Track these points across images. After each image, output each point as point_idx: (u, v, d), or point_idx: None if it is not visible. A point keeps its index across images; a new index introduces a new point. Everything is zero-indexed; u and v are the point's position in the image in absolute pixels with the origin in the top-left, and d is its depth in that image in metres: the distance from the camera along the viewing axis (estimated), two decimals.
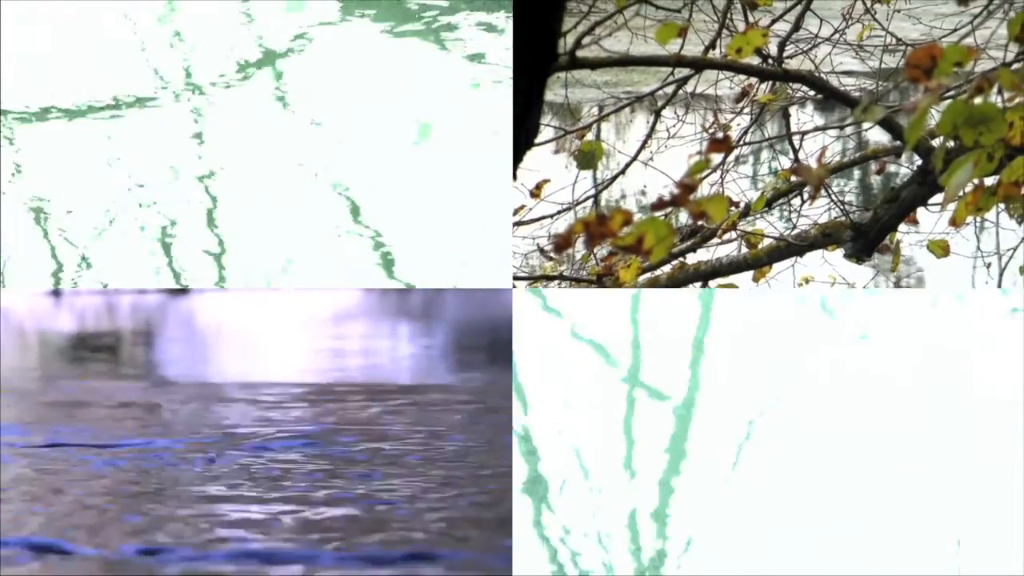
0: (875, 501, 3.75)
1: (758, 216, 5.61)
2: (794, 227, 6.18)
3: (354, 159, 4.65)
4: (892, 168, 7.21)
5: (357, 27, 5.13)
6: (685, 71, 5.83)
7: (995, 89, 3.17)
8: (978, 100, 2.99)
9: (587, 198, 6.21)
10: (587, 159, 5.26)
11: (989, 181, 3.35)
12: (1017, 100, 3.51)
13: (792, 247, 5.17)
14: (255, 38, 5.08)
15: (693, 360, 4.19)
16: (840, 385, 4.15)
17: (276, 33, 5.08)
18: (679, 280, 4.78)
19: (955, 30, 6.26)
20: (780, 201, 5.79)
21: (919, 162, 5.13)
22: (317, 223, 4.49)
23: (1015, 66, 4.14)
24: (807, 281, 5.64)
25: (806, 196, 5.61)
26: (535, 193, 5.35)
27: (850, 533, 3.63)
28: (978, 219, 6.10)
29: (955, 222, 3.22)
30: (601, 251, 4.94)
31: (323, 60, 4.98)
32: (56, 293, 9.86)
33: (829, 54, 7.03)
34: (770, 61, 5.31)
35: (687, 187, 2.53)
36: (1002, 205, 4.54)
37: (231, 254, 4.52)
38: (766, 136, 7.56)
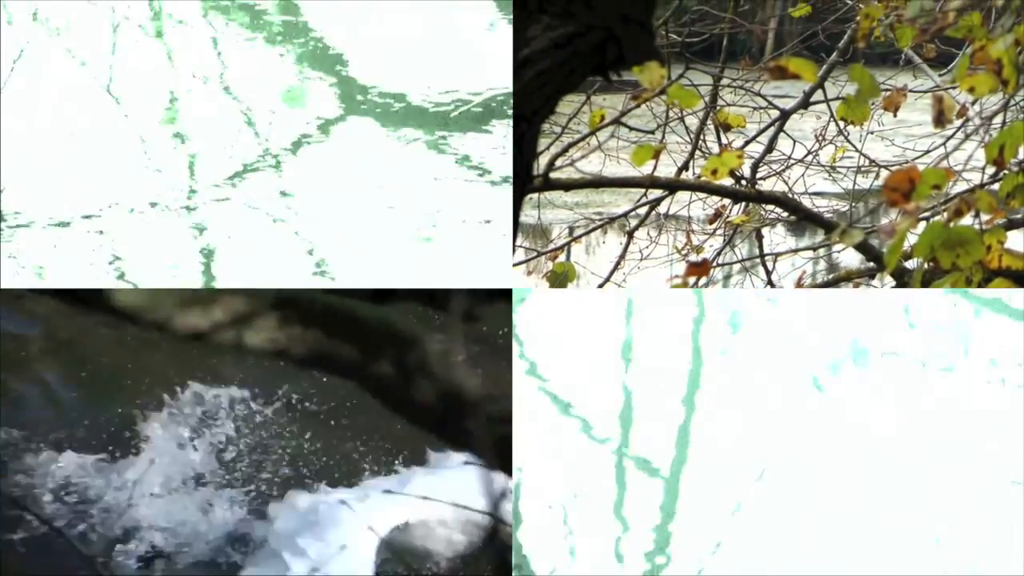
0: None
1: None
2: None
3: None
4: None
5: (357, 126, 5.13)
6: (657, 192, 5.82)
7: (972, 211, 3.15)
8: (956, 223, 2.96)
9: None
10: (559, 280, 5.22)
11: None
12: (995, 222, 3.49)
13: None
14: (256, 138, 5.07)
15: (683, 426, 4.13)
16: (830, 455, 4.09)
17: (276, 133, 5.07)
18: None
19: (928, 151, 6.27)
20: None
21: (891, 283, 5.10)
22: None
23: (993, 186, 4.13)
24: None
25: None
26: None
27: None
28: None
29: None
30: None
31: (323, 160, 4.96)
32: None
33: (802, 175, 7.04)
34: (743, 182, 5.30)
35: None
36: None
37: None
38: (739, 257, 7.55)
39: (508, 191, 4.59)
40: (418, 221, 4.67)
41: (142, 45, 5.50)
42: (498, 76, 5.20)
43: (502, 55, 5.14)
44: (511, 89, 2.46)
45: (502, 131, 4.99)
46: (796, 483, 3.97)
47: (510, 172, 2.47)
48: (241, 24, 5.58)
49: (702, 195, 6.64)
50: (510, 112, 4.70)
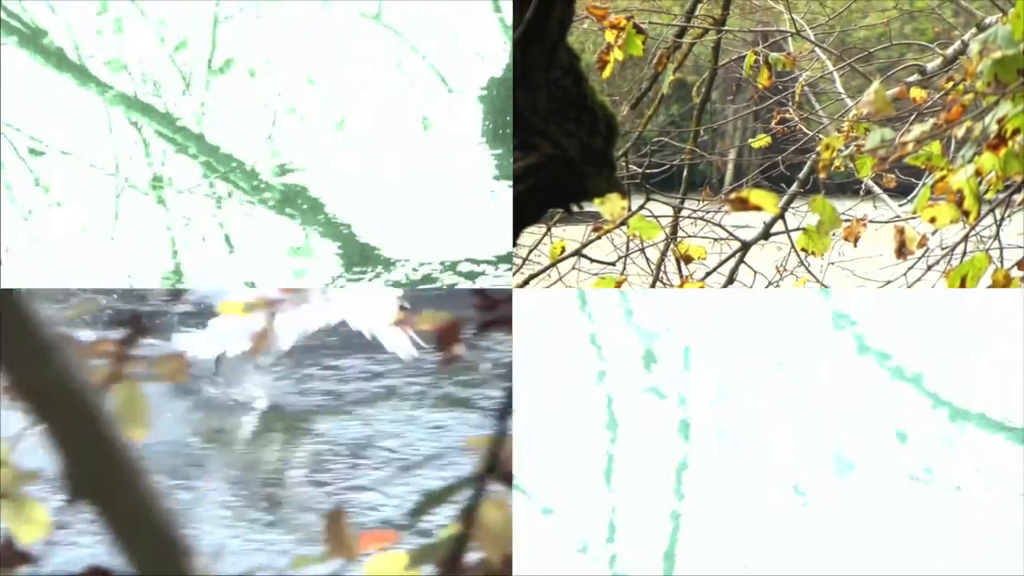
0: None
1: None
2: None
3: None
4: None
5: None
6: None
7: None
8: None
9: None
10: None
11: None
12: None
13: None
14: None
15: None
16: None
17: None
18: None
19: (889, 282, 6.27)
20: None
21: None
22: None
23: None
24: None
25: None
26: None
27: None
28: None
29: None
30: None
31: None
32: None
33: None
34: None
35: None
36: None
37: None
38: None
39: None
40: None
41: (144, 209, 5.50)
42: (498, 241, 5.19)
43: (502, 219, 5.16)
44: (511, 250, 2.44)
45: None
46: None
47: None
48: (243, 189, 5.59)
49: None
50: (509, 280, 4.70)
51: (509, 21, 4.57)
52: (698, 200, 6.81)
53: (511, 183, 2.43)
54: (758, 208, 2.90)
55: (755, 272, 6.72)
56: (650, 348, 4.03)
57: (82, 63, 5.65)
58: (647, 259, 6.61)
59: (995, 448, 4.39)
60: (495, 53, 5.64)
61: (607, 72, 5.54)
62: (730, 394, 3.93)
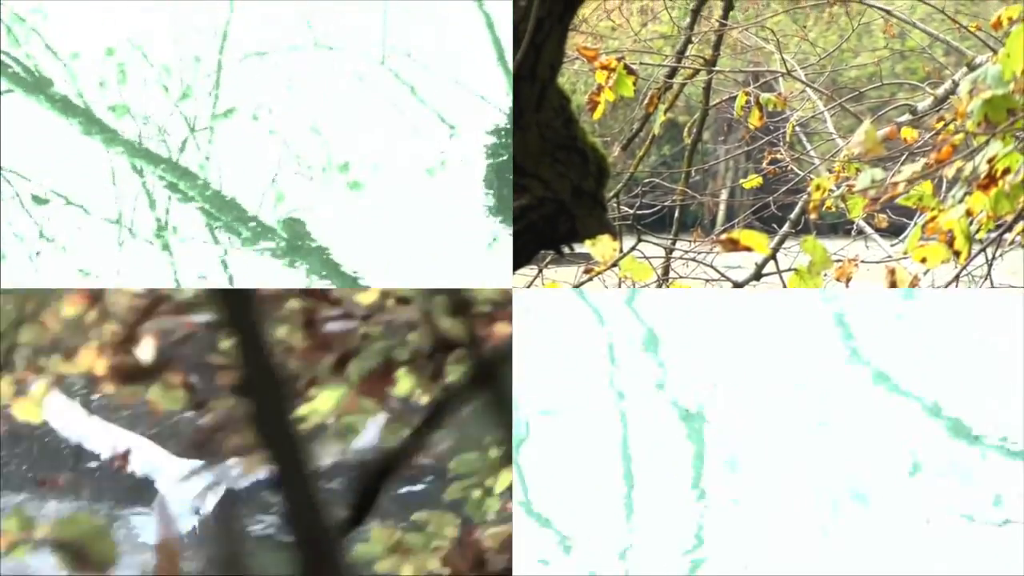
0: None
1: None
2: None
3: None
4: None
5: None
6: None
7: None
8: None
9: None
10: None
11: None
12: None
13: None
14: None
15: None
16: None
17: None
18: None
19: None
20: None
21: None
22: None
23: None
24: None
25: None
26: None
27: None
28: None
29: None
30: None
31: None
32: None
33: None
34: None
35: None
36: None
37: None
38: None
39: None
40: None
41: (147, 257, 5.50)
42: (498, 284, 5.20)
43: (502, 265, 5.17)
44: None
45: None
46: None
47: None
48: (246, 236, 5.59)
49: None
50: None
51: (511, 65, 4.61)
52: (690, 241, 6.81)
53: (511, 226, 2.43)
54: (749, 249, 2.90)
55: None
56: (663, 362, 4.01)
57: (88, 107, 5.67)
58: None
59: (1012, 474, 4.38)
60: (498, 97, 5.66)
61: (598, 113, 5.55)
62: (744, 413, 3.91)
